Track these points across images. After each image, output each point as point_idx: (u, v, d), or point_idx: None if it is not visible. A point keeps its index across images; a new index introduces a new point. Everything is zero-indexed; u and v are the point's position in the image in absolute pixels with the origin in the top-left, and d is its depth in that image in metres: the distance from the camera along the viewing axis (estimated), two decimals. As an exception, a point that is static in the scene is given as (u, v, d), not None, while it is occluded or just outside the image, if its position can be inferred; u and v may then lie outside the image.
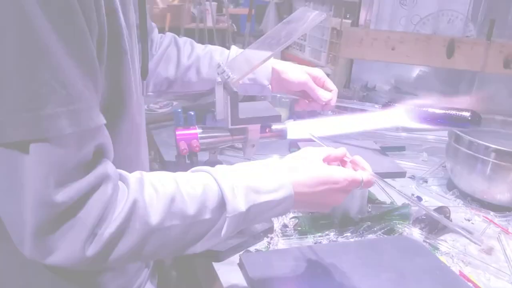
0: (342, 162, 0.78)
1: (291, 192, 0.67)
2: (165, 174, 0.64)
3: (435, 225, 0.96)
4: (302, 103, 1.07)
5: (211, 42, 3.56)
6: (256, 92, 1.07)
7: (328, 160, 0.75)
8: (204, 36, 3.37)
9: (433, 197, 1.13)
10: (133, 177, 0.60)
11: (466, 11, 1.58)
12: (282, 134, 0.91)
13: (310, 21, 0.81)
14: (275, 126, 0.91)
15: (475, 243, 0.79)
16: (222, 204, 0.63)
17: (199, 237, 0.62)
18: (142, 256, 0.59)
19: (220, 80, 0.85)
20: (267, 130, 0.90)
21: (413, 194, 1.12)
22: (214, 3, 3.66)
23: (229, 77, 0.81)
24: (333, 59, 4.75)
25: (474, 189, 1.10)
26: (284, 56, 5.53)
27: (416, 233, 0.95)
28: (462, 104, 1.10)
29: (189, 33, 3.43)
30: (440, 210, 1.00)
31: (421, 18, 1.64)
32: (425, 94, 1.68)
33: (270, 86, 1.04)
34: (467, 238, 0.75)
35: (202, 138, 0.88)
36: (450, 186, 1.19)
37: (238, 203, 0.63)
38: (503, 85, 1.66)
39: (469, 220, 1.04)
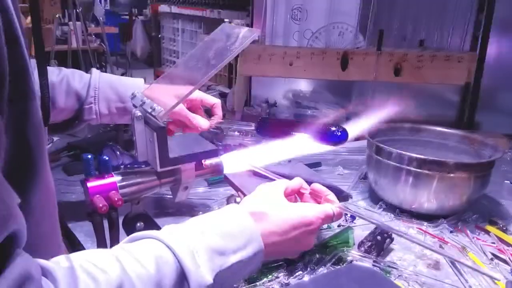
0: (299, 194, 0.70)
1: (261, 246, 0.55)
2: (101, 254, 0.47)
3: (381, 246, 0.92)
4: (172, 130, 0.96)
5: (80, 65, 3.25)
6: (125, 121, 0.96)
7: (286, 195, 0.66)
8: (74, 58, 3.06)
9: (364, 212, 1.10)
10: (60, 268, 0.42)
11: (355, 23, 1.62)
12: (218, 169, 0.78)
13: (241, 38, 0.70)
14: (209, 161, 0.77)
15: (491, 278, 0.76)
16: (182, 279, 0.48)
17: None
18: None
19: (139, 114, 0.69)
20: (202, 167, 0.76)
21: (346, 214, 1.07)
22: (78, 23, 3.33)
23: (154, 109, 0.66)
24: (225, 78, 4.74)
25: (401, 201, 1.09)
26: (158, 74, 5.34)
27: (366, 259, 0.89)
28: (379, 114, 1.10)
29: (61, 56, 3.09)
30: (381, 229, 0.96)
31: (313, 33, 1.64)
32: (323, 106, 1.68)
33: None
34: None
35: (122, 187, 0.71)
36: (374, 198, 1.17)
37: (203, 273, 0.49)
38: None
39: (405, 233, 1.02)
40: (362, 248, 0.92)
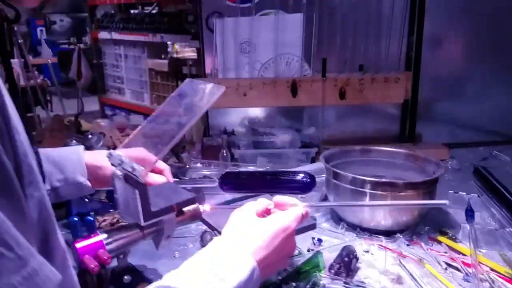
0: (267, 211, 0.77)
1: (254, 263, 0.62)
2: None
3: (349, 266, 1.00)
4: None
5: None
6: (72, 195, 0.92)
7: (258, 216, 0.73)
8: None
9: (329, 235, 1.18)
10: None
11: (299, 53, 1.73)
12: (197, 214, 0.83)
13: (208, 94, 0.76)
14: (187, 208, 0.82)
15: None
16: None
17: None
18: None
19: (120, 173, 0.74)
20: (182, 214, 0.81)
21: (313, 238, 1.15)
22: (16, 60, 3.25)
23: (134, 169, 0.71)
24: (158, 99, 4.67)
25: (360, 220, 1.19)
26: (103, 101, 5.24)
27: (337, 281, 0.97)
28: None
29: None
30: (347, 250, 1.04)
31: (262, 64, 1.73)
32: (279, 131, 1.77)
33: (89, 183, 0.90)
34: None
35: (108, 244, 0.74)
36: (336, 219, 1.26)
37: None
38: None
39: (367, 252, 1.11)
40: (332, 271, 0.99)
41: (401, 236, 1.15)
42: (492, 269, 1.01)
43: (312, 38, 1.71)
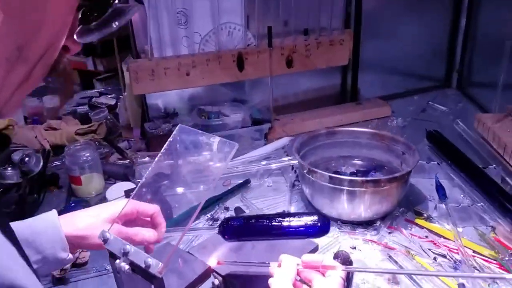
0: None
1: None
2: None
3: (349, 277, 0.98)
4: None
5: None
6: (51, 270, 0.83)
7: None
8: None
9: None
10: None
11: (241, 21, 1.57)
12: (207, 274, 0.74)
13: (222, 153, 0.64)
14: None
15: None
16: None
17: None
18: None
19: (127, 267, 0.61)
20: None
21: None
22: None
23: (149, 265, 0.59)
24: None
25: (339, 214, 1.17)
26: None
27: None
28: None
29: None
30: (342, 258, 1.02)
31: (202, 36, 1.55)
32: (227, 109, 1.65)
33: (71, 255, 0.77)
34: None
35: None
36: (310, 209, 1.23)
37: None
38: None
39: (354, 248, 1.10)
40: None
41: (382, 225, 1.16)
42: (475, 252, 1.07)
43: (254, 5, 1.55)
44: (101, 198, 1.33)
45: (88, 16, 0.45)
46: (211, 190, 0.61)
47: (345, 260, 1.01)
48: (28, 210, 1.23)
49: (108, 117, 1.66)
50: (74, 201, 1.21)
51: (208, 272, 0.71)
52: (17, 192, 1.11)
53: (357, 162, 1.36)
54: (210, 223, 1.18)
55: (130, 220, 0.78)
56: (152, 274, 0.59)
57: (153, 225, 0.79)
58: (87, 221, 0.75)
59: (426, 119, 1.80)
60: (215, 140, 0.65)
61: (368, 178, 1.10)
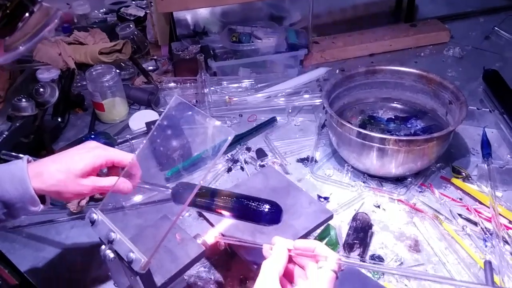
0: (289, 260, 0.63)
1: None
2: None
3: (365, 241, 0.93)
4: None
5: None
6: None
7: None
8: None
9: (334, 184, 1.08)
10: None
11: None
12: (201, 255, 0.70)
13: (217, 140, 0.55)
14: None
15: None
16: None
17: None
18: None
19: (112, 256, 0.58)
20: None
21: (319, 196, 1.05)
22: None
23: (131, 260, 0.55)
24: None
25: (367, 168, 1.08)
26: None
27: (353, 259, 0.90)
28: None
29: None
30: (362, 220, 0.96)
31: None
32: (260, 30, 1.50)
33: (42, 207, 0.74)
34: None
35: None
36: (339, 159, 1.15)
37: None
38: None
39: (378, 207, 1.03)
40: (347, 250, 0.92)
41: (413, 182, 1.07)
42: (511, 222, 0.97)
43: None
44: (124, 126, 1.29)
45: None
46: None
47: (363, 223, 0.96)
48: (51, 135, 1.23)
49: (136, 32, 1.56)
50: (95, 133, 1.18)
51: (203, 255, 0.67)
52: (34, 123, 1.08)
53: (397, 106, 1.23)
54: (230, 164, 1.14)
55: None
56: (134, 271, 0.55)
57: (129, 174, 0.76)
58: (57, 177, 0.71)
59: (488, 50, 1.58)
60: (211, 123, 0.56)
61: (402, 138, 0.98)
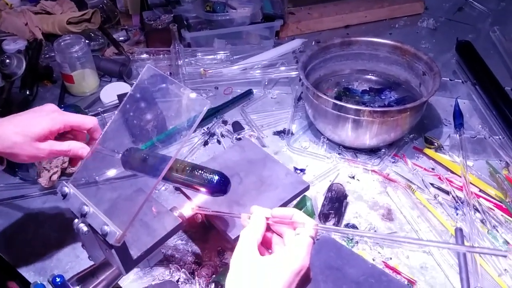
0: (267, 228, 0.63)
1: None
2: None
3: (340, 210, 0.94)
4: None
5: None
6: None
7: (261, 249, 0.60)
8: None
9: (310, 156, 1.09)
10: None
11: None
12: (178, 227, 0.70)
13: (192, 111, 0.54)
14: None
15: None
16: None
17: None
18: None
19: (86, 229, 0.57)
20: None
21: (296, 168, 1.06)
22: None
23: (106, 233, 0.54)
24: None
25: (343, 140, 1.08)
26: None
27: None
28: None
29: None
30: (337, 191, 0.97)
31: None
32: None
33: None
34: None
35: (87, 295, 0.62)
36: (315, 131, 1.15)
37: None
38: None
39: (353, 177, 1.05)
40: (322, 220, 0.93)
41: (387, 153, 1.09)
42: (481, 191, 1.00)
43: None
44: (95, 99, 1.26)
45: None
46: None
47: (338, 193, 0.97)
48: (19, 108, 1.18)
49: (105, 1, 1.50)
50: (64, 106, 1.15)
51: (180, 227, 0.67)
52: (1, 96, 1.04)
53: (372, 77, 1.23)
54: (207, 137, 1.13)
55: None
56: (109, 244, 0.55)
57: (90, 138, 0.76)
58: (13, 140, 0.70)
59: (461, 21, 1.59)
60: (186, 92, 0.54)
61: (376, 109, 0.99)
